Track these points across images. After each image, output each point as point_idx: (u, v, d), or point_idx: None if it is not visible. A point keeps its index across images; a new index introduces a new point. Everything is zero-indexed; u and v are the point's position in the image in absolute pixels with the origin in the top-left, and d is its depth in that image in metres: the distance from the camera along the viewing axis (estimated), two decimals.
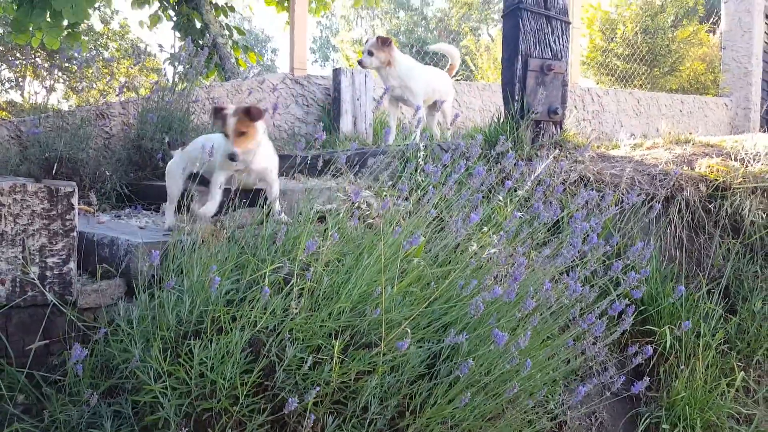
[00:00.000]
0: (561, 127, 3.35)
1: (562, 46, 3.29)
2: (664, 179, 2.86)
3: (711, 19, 10.76)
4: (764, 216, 2.80)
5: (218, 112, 2.52)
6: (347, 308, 1.69)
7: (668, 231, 2.79)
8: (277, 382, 1.60)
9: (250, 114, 2.53)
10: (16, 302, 2.28)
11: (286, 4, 8.39)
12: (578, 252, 2.08)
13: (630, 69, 10.01)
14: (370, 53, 3.94)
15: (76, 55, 5.71)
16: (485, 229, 2.19)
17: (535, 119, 3.22)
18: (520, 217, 2.11)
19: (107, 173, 4.17)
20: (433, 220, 2.04)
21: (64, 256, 2.44)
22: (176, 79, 6.44)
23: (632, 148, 3.45)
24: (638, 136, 6.46)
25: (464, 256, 1.97)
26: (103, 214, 3.85)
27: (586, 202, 2.65)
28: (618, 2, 9.87)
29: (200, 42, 7.23)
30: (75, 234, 2.46)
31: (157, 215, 4.00)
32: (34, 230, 2.38)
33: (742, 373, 2.43)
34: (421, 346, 1.70)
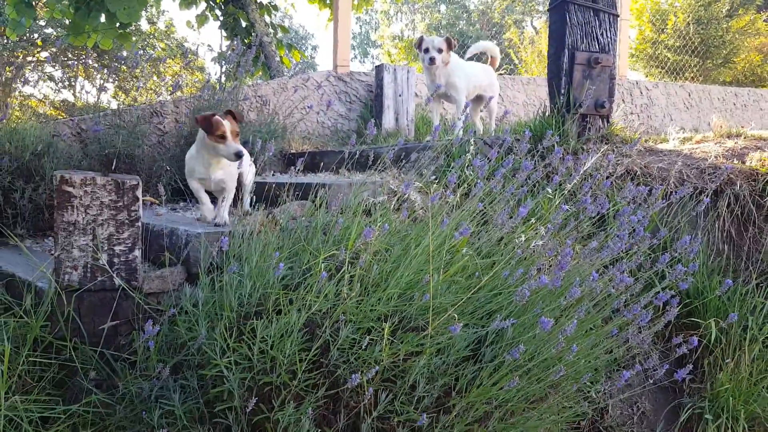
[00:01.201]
0: (608, 121, 3.35)
1: (609, 39, 3.29)
2: (714, 173, 2.84)
3: None
4: None
5: (206, 119, 2.69)
6: (396, 294, 1.78)
7: (716, 225, 2.78)
8: (331, 360, 1.70)
9: (236, 117, 2.78)
10: (87, 286, 2.45)
11: (328, 2, 8.54)
12: (624, 245, 2.11)
13: (681, 61, 9.77)
14: (440, 50, 4.02)
15: (133, 55, 5.97)
16: (531, 221, 2.24)
17: (581, 113, 3.23)
18: (567, 210, 2.15)
19: (165, 168, 4.37)
20: (478, 213, 2.11)
21: (129, 244, 2.60)
22: (223, 78, 6.66)
23: (681, 142, 3.42)
24: (688, 130, 6.33)
25: (509, 247, 2.03)
26: (160, 207, 4.05)
27: (633, 197, 2.68)
28: None
29: (246, 41, 7.43)
30: (140, 224, 2.62)
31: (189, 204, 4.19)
32: (102, 220, 2.55)
33: None
34: (466, 331, 1.77)
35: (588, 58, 3.26)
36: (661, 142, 3.60)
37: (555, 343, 1.75)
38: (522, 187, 2.22)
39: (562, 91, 3.27)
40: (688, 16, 9.66)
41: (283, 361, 1.67)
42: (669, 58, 9.91)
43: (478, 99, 4.21)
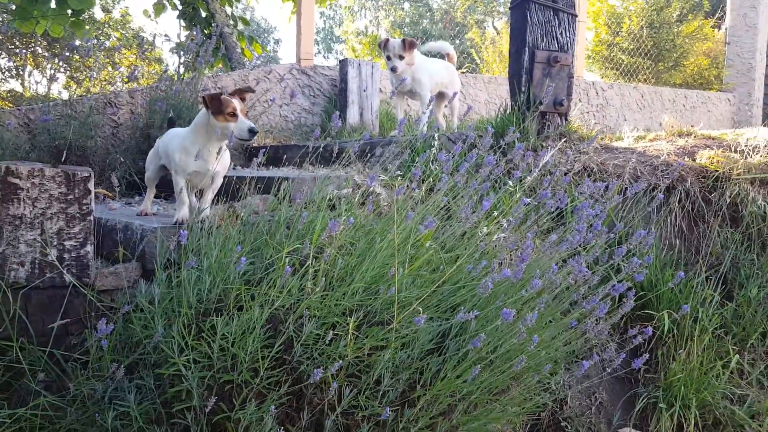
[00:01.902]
0: (566, 119, 3.40)
1: (568, 39, 3.35)
2: (666, 170, 2.92)
3: (716, 15, 10.79)
4: (762, 206, 2.87)
5: (215, 97, 2.54)
6: (361, 288, 1.77)
7: (669, 220, 2.86)
8: (294, 356, 1.67)
9: (243, 98, 2.63)
10: (35, 283, 2.35)
11: None
12: (582, 239, 2.14)
13: (635, 63, 10.05)
14: (402, 57, 3.94)
15: (84, 44, 5.77)
16: (493, 215, 2.25)
17: (541, 111, 3.28)
18: (527, 204, 2.17)
19: (119, 160, 4.24)
20: (442, 208, 2.11)
21: (81, 239, 2.50)
22: (181, 69, 6.50)
23: (635, 140, 3.51)
24: (642, 130, 6.52)
25: (473, 241, 2.04)
26: (114, 201, 3.92)
27: (591, 193, 2.73)
28: None
29: (206, 31, 7.27)
30: (92, 218, 2.52)
31: (167, 202, 4.07)
32: (52, 214, 2.45)
33: (737, 355, 2.51)
34: (431, 324, 1.77)
35: (548, 56, 3.31)
36: (616, 141, 3.69)
37: (516, 334, 1.76)
38: (485, 182, 2.24)
39: (523, 88, 3.32)
40: (642, 20, 9.94)
41: (244, 358, 1.63)
42: (623, 60, 10.18)
43: (441, 96, 4.22)
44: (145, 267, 2.64)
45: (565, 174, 2.78)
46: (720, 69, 9.78)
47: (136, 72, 4.99)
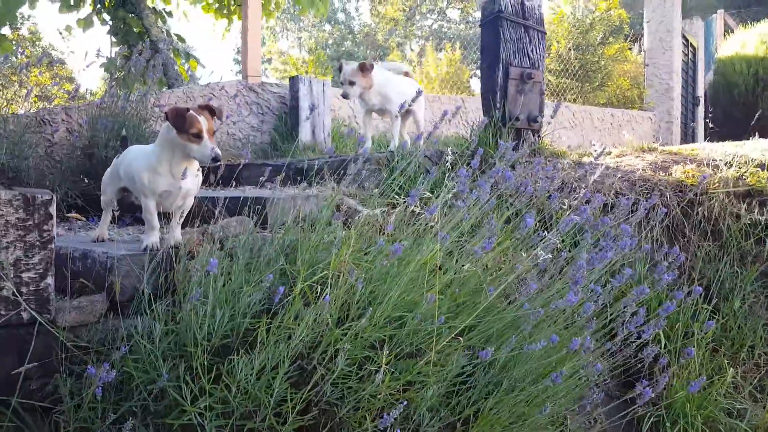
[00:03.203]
0: (539, 136, 3.43)
1: (539, 55, 3.38)
2: (644, 185, 2.99)
3: (635, 38, 11.48)
4: (738, 219, 2.98)
5: (179, 113, 2.23)
6: (392, 317, 1.63)
7: (650, 236, 2.91)
8: (323, 396, 1.51)
9: (215, 112, 2.36)
10: None
11: (225, 12, 8.19)
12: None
13: (562, 84, 10.47)
14: (352, 83, 3.73)
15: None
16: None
17: (516, 128, 3.27)
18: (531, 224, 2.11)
19: (57, 182, 3.87)
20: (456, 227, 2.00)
21: (41, 271, 2.23)
22: (114, 85, 6.09)
23: (603, 156, 3.58)
24: (574, 147, 6.74)
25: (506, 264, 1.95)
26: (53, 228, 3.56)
27: (572, 206, 2.73)
28: (553, 19, 10.32)
29: (140, 48, 6.91)
30: (53, 246, 2.26)
31: (117, 227, 3.77)
32: (8, 242, 2.16)
33: (732, 369, 2.55)
34: (463, 353, 1.66)
35: (521, 73, 3.32)
36: (581, 157, 3.75)
37: (548, 361, 1.69)
38: (488, 201, 2.16)
39: (498, 105, 3.30)
40: (569, 42, 10.39)
41: (268, 402, 1.45)
42: (551, 81, 10.59)
43: (407, 113, 4.15)
44: (113, 300, 2.37)
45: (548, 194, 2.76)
46: (641, 89, 10.37)
47: (41, 92, 4.62)
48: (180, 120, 2.19)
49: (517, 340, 1.63)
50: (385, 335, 1.59)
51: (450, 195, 1.83)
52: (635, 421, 2.44)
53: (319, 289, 1.69)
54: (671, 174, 3.13)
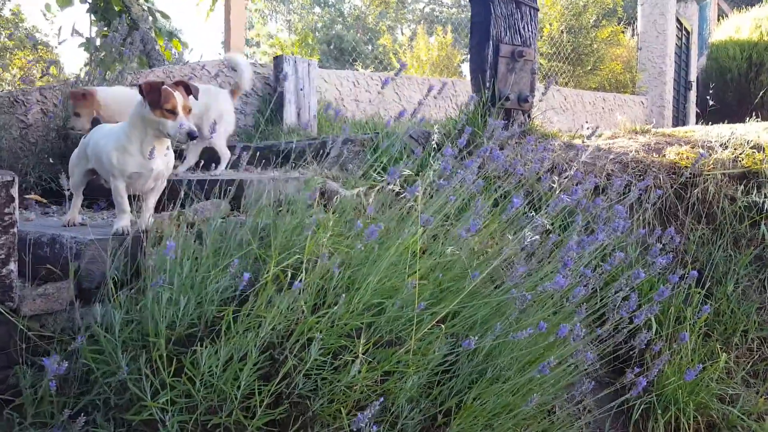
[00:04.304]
0: (530, 116, 3.31)
1: (531, 33, 3.26)
2: (636, 167, 2.89)
3: (628, 21, 11.34)
4: (732, 202, 2.89)
5: (154, 87, 2.12)
6: (371, 304, 1.52)
7: (642, 218, 2.82)
8: (296, 388, 1.40)
9: (190, 90, 2.25)
10: None
11: None
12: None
13: (554, 67, 10.34)
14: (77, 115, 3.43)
15: None
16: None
17: (506, 108, 3.16)
18: (519, 205, 2.00)
19: (31, 165, 3.73)
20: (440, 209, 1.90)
21: (2, 257, 2.11)
22: (92, 66, 5.93)
23: (595, 138, 3.48)
24: (566, 131, 6.65)
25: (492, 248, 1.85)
26: (27, 211, 3.44)
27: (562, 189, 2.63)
28: (546, 1, 10.16)
29: (120, 26, 6.71)
30: (15, 230, 2.14)
31: (92, 211, 3.64)
32: None
33: (725, 354, 2.48)
34: (446, 341, 1.56)
35: (512, 51, 3.20)
36: (573, 139, 3.64)
37: (535, 349, 1.59)
38: (475, 182, 2.05)
39: (488, 84, 3.18)
40: (561, 25, 10.25)
41: (235, 395, 1.35)
42: (543, 65, 10.45)
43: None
44: (80, 287, 2.26)
45: (538, 176, 2.66)
46: (633, 73, 10.26)
47: (31, 76, 4.46)
48: (155, 94, 2.07)
49: (503, 327, 1.54)
50: (362, 323, 1.49)
51: (433, 175, 1.72)
52: (625, 408, 2.37)
53: (291, 275, 1.58)
54: (665, 156, 3.03)
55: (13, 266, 2.12)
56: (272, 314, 1.42)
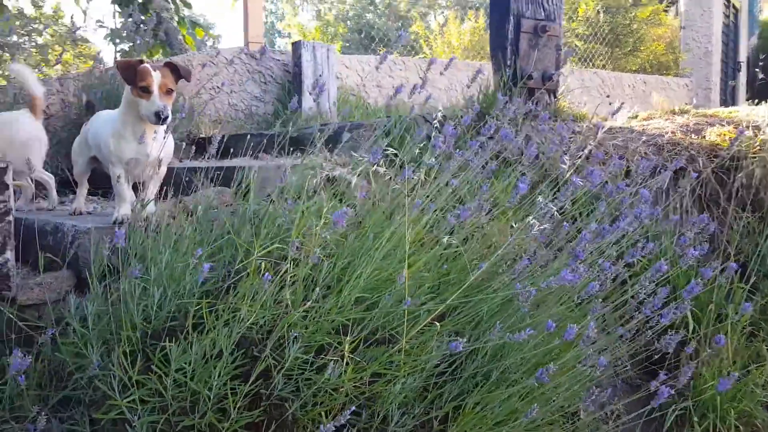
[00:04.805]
0: (555, 96, 3.11)
1: (555, 6, 3.04)
2: (673, 149, 2.66)
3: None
4: None
5: (129, 65, 2.00)
6: (355, 299, 1.39)
7: (679, 205, 2.59)
8: (275, 389, 1.28)
9: (177, 70, 2.11)
10: None
11: None
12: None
13: (591, 49, 9.93)
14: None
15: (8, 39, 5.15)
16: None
17: (529, 87, 2.96)
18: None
19: (50, 156, 3.73)
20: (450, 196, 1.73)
21: None
22: (118, 56, 5.92)
23: (628, 120, 3.25)
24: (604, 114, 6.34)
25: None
26: (44, 200, 3.44)
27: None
28: None
29: (142, 17, 6.72)
30: (11, 218, 2.09)
31: (105, 200, 3.62)
32: None
33: None
34: (442, 340, 1.41)
35: (534, 26, 2.99)
36: (604, 120, 3.41)
37: (548, 350, 1.43)
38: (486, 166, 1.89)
39: (509, 62, 2.98)
40: (598, 4, 9.82)
41: (208, 396, 1.23)
42: (578, 47, 10.05)
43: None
44: (79, 276, 2.20)
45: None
46: (676, 54, 9.78)
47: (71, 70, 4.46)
48: (129, 72, 1.97)
49: (509, 324, 1.38)
50: (349, 319, 1.35)
51: (427, 157, 1.57)
52: (658, 414, 2.17)
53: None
54: (704, 137, 2.78)
55: (9, 255, 2.08)
56: (253, 308, 1.30)
